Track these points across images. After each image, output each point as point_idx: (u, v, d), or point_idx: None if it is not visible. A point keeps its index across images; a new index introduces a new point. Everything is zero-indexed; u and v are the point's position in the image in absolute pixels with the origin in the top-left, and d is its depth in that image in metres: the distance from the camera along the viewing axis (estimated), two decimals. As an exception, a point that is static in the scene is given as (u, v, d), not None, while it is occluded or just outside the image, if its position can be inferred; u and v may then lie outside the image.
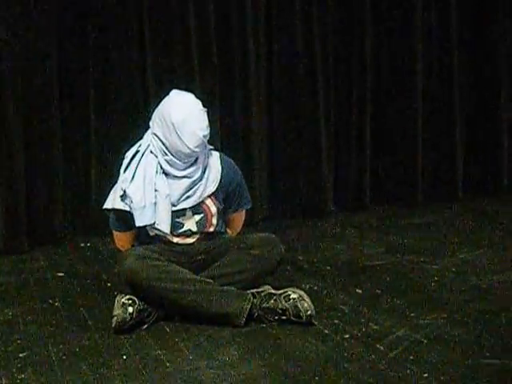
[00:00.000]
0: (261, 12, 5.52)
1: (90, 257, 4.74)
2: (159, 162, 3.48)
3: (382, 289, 3.89)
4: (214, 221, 3.58)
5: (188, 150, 3.41)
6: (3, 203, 4.80)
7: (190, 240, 3.56)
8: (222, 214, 3.66)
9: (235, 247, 3.54)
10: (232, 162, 3.69)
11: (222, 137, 5.22)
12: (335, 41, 5.81)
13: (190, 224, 3.54)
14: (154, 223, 3.45)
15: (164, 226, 3.46)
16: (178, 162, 3.46)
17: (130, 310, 3.31)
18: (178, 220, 3.51)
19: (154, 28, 5.20)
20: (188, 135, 3.38)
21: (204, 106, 3.50)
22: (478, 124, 6.26)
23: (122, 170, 3.53)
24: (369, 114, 5.90)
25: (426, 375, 2.79)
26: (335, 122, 5.86)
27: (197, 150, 3.43)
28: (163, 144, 3.45)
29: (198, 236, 3.56)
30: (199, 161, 3.52)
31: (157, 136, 3.48)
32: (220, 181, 3.58)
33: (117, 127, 5.11)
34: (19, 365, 2.99)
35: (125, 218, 3.50)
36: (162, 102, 3.52)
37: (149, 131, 3.56)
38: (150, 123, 3.56)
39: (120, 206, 3.48)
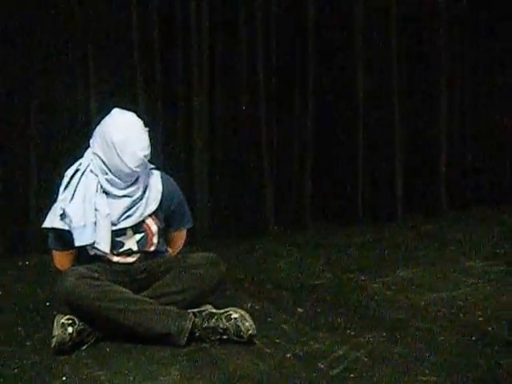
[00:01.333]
0: (205, 37, 5.51)
1: (29, 276, 4.66)
2: (99, 181, 3.46)
3: (323, 307, 3.91)
4: (155, 240, 3.57)
5: (128, 170, 3.40)
6: None
7: (131, 259, 3.53)
8: (163, 233, 3.65)
9: (176, 266, 3.52)
10: (173, 181, 3.69)
11: (164, 157, 5.20)
12: (278, 70, 5.83)
13: (131, 243, 3.52)
14: (94, 243, 3.42)
15: (104, 245, 3.43)
16: (118, 181, 3.45)
17: (70, 330, 3.27)
18: (118, 239, 3.49)
19: (97, 49, 5.18)
20: (129, 155, 3.37)
21: (145, 124, 3.49)
22: (417, 145, 6.35)
23: (61, 189, 3.51)
24: (310, 134, 5.94)
25: (366, 393, 2.82)
26: (276, 142, 5.88)
27: (137, 169, 3.42)
28: (104, 163, 3.44)
29: (138, 255, 3.54)
30: (140, 180, 3.51)
31: (97, 155, 3.46)
32: (161, 200, 3.57)
33: (57, 145, 5.06)
34: (-45, 389, 2.94)
35: (64, 238, 3.47)
36: (103, 121, 3.50)
37: (89, 150, 3.54)
38: (91, 142, 3.53)
39: (59, 225, 3.45)
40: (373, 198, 6.14)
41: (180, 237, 3.80)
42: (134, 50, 5.25)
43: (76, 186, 3.47)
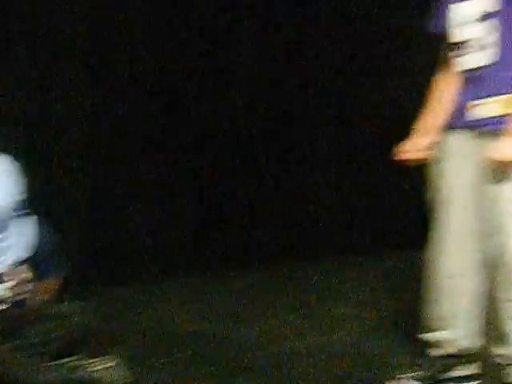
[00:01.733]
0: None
1: None
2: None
3: (199, 355, 3.94)
4: (24, 289, 3.53)
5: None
6: None
7: (-1, 308, 3.49)
8: (34, 280, 3.61)
9: (44, 316, 3.48)
10: (46, 227, 3.66)
11: (34, 201, 5.15)
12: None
13: (-1, 292, 3.48)
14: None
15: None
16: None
17: None
18: None
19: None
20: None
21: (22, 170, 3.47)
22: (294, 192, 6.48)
23: None
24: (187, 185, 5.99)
25: None
26: (151, 189, 5.90)
27: (3, 217, 3.39)
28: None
29: (5, 305, 3.49)
30: (7, 227, 3.47)
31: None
32: (32, 247, 3.54)
33: None
34: None
35: None
36: None
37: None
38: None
39: None
40: (246, 246, 6.20)
41: (51, 285, 3.76)
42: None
43: None
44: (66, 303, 3.59)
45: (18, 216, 3.54)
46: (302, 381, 3.55)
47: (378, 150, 6.73)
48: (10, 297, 3.49)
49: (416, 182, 6.82)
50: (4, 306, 3.48)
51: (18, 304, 3.53)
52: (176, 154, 6.00)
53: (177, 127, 5.97)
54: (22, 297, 3.52)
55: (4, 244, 3.44)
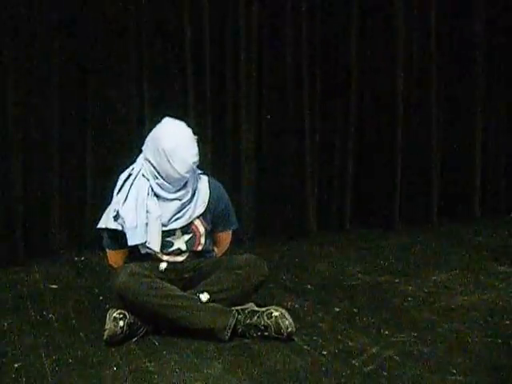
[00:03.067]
0: (254, 40, 5.69)
1: (84, 271, 4.88)
2: (151, 185, 3.66)
3: (359, 307, 4.07)
4: (202, 240, 3.77)
5: (178, 175, 3.60)
6: (-1, 217, 4.96)
7: (180, 258, 3.74)
8: (210, 233, 3.85)
9: (222, 266, 3.70)
10: (220, 185, 3.89)
11: (212, 159, 5.41)
12: (320, 65, 5.98)
13: (180, 243, 3.72)
14: (146, 242, 3.63)
15: (155, 244, 3.64)
16: (168, 185, 3.65)
17: (121, 323, 3.46)
18: (168, 239, 3.69)
19: (151, 60, 5.40)
20: (178, 162, 3.57)
21: (194, 133, 3.69)
22: (453, 151, 6.45)
23: (115, 192, 3.72)
24: (351, 139, 6.09)
25: (396, 390, 2.98)
26: (319, 146, 6.03)
27: (186, 175, 3.62)
28: (154, 168, 3.64)
29: (186, 254, 3.74)
30: (189, 184, 3.71)
31: (149, 161, 3.66)
32: (208, 203, 3.77)
33: (112, 149, 5.27)
34: (13, 375, 3.12)
35: (117, 237, 3.68)
36: (155, 129, 3.70)
37: (141, 155, 3.74)
38: (143, 148, 3.74)
39: (113, 225, 3.66)
40: (409, 203, 6.26)
41: (225, 238, 3.99)
42: (186, 64, 5.45)
43: (129, 190, 3.67)
44: (240, 256, 3.80)
45: (197, 175, 3.79)
46: (455, 335, 3.62)
47: None
48: (187, 249, 3.75)
49: None
50: (184, 257, 3.75)
51: (197, 255, 3.79)
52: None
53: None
54: (199, 248, 3.77)
55: (185, 199, 3.70)
